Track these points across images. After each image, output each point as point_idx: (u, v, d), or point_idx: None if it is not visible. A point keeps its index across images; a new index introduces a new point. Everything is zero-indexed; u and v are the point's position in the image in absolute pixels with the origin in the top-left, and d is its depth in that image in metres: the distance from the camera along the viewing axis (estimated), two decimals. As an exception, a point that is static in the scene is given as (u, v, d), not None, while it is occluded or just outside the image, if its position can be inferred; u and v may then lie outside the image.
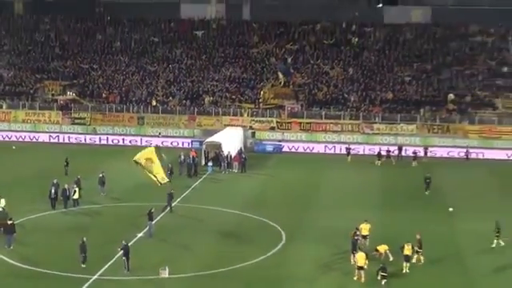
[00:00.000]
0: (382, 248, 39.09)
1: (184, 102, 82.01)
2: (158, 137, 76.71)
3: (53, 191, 49.26)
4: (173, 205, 49.35)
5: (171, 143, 75.54)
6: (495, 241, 42.22)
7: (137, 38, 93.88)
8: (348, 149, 70.25)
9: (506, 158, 71.64)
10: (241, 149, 68.46)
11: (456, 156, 72.17)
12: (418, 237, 39.32)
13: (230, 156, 64.26)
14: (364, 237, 41.07)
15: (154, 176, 46.30)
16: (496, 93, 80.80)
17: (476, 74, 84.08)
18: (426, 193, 54.88)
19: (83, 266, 37.77)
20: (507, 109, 78.69)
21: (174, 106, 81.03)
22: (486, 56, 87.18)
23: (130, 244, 38.51)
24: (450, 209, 49.72)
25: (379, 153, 68.62)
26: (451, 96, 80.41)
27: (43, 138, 78.46)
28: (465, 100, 79.72)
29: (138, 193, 53.61)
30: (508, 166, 69.14)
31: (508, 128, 75.48)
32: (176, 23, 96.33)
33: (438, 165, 66.92)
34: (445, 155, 72.35)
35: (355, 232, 40.36)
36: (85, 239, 38.20)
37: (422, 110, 78.20)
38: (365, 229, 41.38)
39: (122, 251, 37.76)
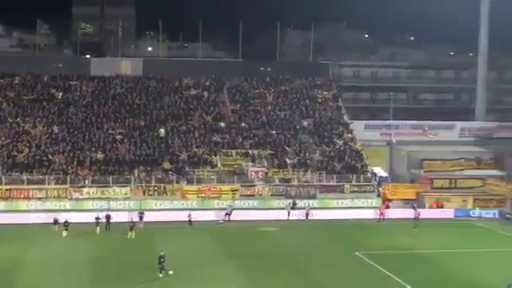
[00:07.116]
0: None
1: None
2: None
3: None
4: None
5: None
6: None
7: None
8: (56, 219, 68.27)
9: (223, 219, 73.95)
10: None
11: (176, 219, 72.74)
12: None
13: None
14: None
15: None
16: (214, 150, 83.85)
17: (192, 130, 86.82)
18: (160, 275, 51.69)
19: None
20: (226, 166, 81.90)
21: None
22: (202, 110, 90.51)
23: None
24: (170, 272, 50.88)
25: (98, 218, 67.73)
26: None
27: None
28: (181, 158, 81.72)
29: None
30: (222, 227, 71.94)
31: (227, 187, 78.45)
32: None
33: (157, 230, 67.58)
34: (163, 219, 72.75)
35: None
36: None
37: (136, 171, 78.89)
38: None
39: None
